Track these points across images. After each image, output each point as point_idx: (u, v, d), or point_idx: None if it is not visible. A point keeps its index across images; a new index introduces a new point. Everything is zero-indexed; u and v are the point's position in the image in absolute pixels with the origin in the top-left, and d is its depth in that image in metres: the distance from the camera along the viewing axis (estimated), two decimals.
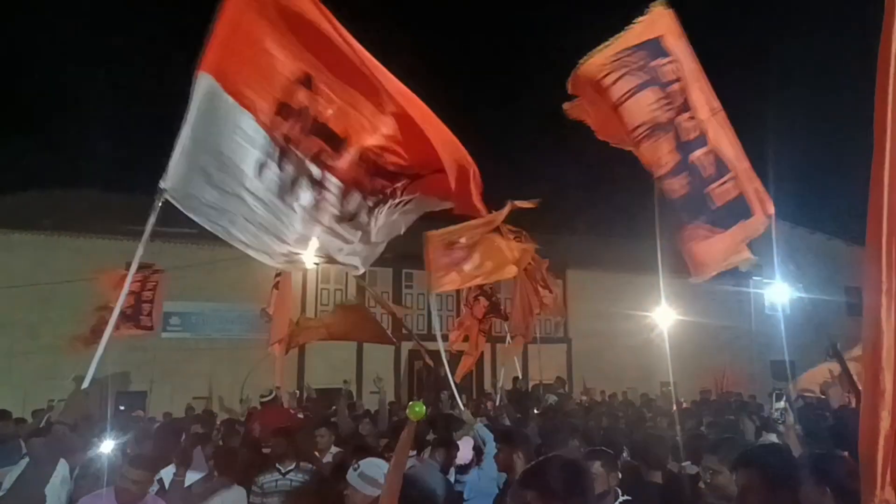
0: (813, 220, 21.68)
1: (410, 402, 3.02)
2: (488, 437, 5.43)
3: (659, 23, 3.78)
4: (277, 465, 5.28)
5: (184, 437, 6.40)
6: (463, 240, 7.54)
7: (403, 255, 17.58)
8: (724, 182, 3.79)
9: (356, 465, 3.65)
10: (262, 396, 9.08)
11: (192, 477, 4.78)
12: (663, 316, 13.13)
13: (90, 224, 14.31)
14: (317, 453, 6.04)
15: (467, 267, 7.70)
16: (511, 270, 8.36)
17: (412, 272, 18.39)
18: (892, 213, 1.88)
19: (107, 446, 5.79)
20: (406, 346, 17.68)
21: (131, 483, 3.97)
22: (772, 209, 3.93)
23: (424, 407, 2.89)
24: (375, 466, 3.61)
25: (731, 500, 3.13)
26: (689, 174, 3.75)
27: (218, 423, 9.31)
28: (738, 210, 3.83)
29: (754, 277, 22.06)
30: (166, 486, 4.64)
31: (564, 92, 3.84)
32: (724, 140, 3.85)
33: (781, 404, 5.77)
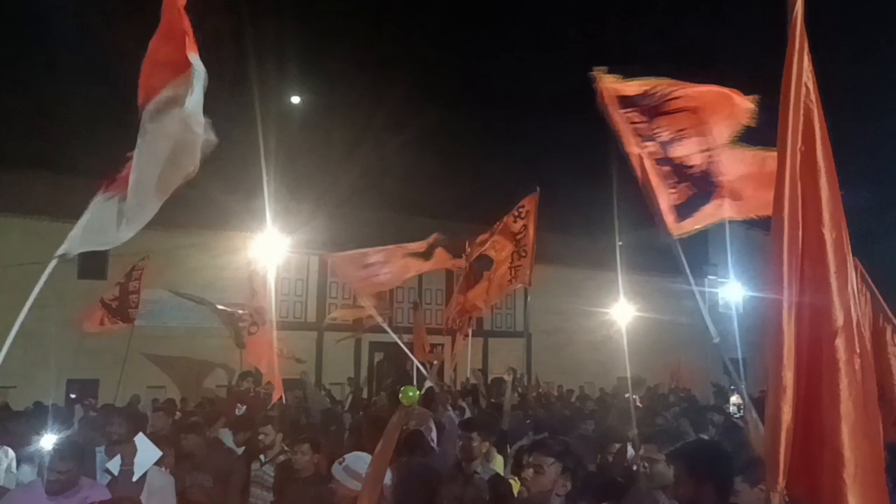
0: (767, 222, 22.17)
1: (403, 387, 3.00)
2: (453, 422, 5.55)
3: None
4: (260, 456, 5.19)
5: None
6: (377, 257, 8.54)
7: (368, 247, 17.66)
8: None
9: (342, 459, 3.61)
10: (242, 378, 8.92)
11: (145, 464, 4.69)
12: (622, 312, 13.42)
13: (45, 207, 13.91)
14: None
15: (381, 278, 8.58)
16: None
17: None
18: (793, 223, 2.12)
19: (50, 436, 5.67)
20: (367, 338, 17.66)
21: (58, 474, 3.97)
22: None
23: (418, 392, 2.89)
24: (361, 461, 3.56)
25: (668, 488, 3.26)
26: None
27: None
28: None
29: (710, 276, 22.61)
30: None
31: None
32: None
33: (736, 398, 5.91)
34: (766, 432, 2.09)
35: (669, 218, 3.69)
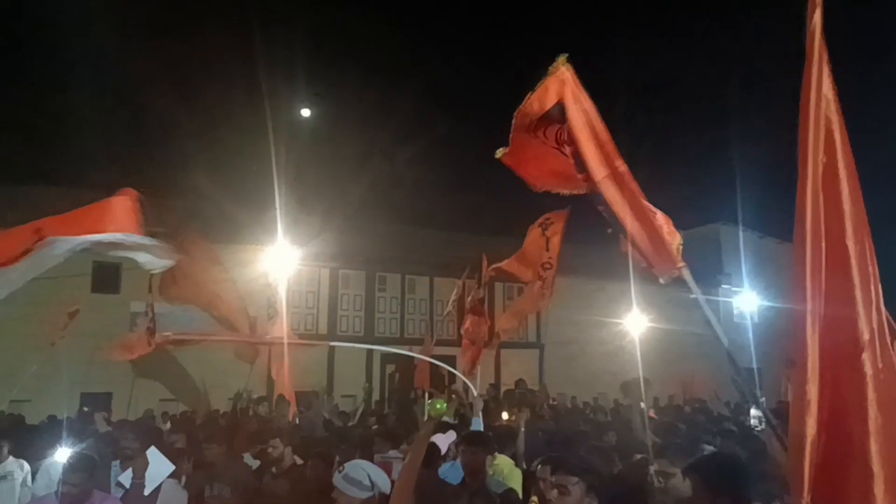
0: (781, 230, 22.13)
1: (430, 400, 3.00)
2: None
3: (557, 88, 3.30)
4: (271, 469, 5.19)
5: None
6: None
7: (379, 259, 17.66)
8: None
9: (341, 468, 3.62)
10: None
11: (157, 478, 4.68)
12: (634, 322, 13.37)
13: None
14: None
15: None
16: None
17: (385, 276, 18.35)
18: (815, 235, 2.10)
19: (64, 449, 5.70)
20: (379, 350, 17.64)
21: (70, 486, 4.02)
22: (674, 268, 3.30)
23: (445, 404, 2.91)
24: (360, 469, 3.59)
25: (683, 502, 3.21)
26: None
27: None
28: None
29: (724, 286, 22.45)
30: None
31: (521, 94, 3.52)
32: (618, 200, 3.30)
33: (758, 412, 5.82)
34: (791, 446, 2.08)
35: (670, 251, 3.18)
